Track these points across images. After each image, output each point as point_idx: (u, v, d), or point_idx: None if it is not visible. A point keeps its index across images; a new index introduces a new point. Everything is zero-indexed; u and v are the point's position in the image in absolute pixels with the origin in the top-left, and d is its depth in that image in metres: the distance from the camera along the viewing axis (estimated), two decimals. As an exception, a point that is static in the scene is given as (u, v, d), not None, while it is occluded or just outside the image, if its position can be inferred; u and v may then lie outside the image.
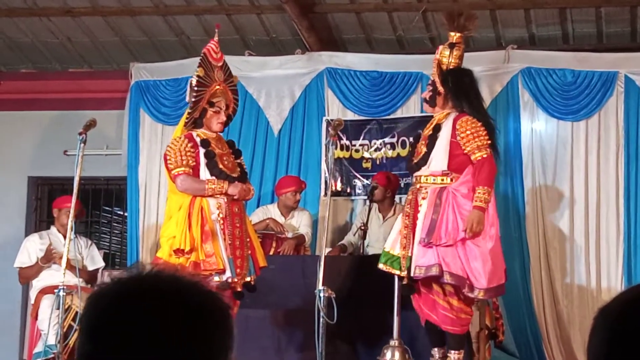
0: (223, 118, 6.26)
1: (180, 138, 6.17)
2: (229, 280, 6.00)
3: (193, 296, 1.78)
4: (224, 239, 6.02)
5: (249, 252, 6.21)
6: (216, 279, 5.98)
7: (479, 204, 5.89)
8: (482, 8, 9.08)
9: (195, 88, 6.16)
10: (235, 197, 6.10)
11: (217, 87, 6.27)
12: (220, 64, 6.36)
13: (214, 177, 6.09)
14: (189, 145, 6.12)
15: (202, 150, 6.15)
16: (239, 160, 6.39)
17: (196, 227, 5.97)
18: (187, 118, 6.24)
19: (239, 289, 6.08)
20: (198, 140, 6.18)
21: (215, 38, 6.47)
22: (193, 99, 6.16)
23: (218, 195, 6.11)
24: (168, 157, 6.13)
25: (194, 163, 6.10)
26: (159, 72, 9.69)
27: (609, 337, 1.83)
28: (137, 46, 10.23)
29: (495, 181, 6.64)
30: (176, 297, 1.75)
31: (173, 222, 6.06)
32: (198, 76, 6.18)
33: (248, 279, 6.16)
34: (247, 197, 6.29)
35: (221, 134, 6.44)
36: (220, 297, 1.83)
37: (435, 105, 6.24)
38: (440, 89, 6.18)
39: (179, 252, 5.94)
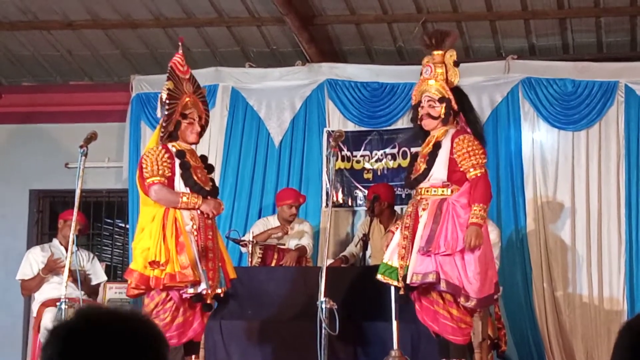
0: (197, 128, 6.28)
1: (157, 148, 6.15)
2: (203, 292, 5.99)
3: (127, 326, 1.97)
4: (198, 251, 6.03)
5: (220, 264, 6.21)
6: (190, 290, 5.97)
7: (476, 220, 5.93)
8: (482, 19, 9.11)
9: (167, 101, 6.16)
10: (206, 215, 6.12)
11: (187, 99, 6.27)
12: (187, 76, 6.36)
13: (188, 190, 6.09)
14: (166, 155, 6.11)
15: (177, 161, 6.15)
16: (210, 175, 6.40)
17: (171, 238, 5.95)
18: (161, 132, 6.23)
19: (208, 301, 6.08)
20: (174, 151, 6.18)
21: (180, 51, 6.48)
22: (166, 112, 6.17)
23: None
24: (144, 166, 6.10)
25: (170, 174, 6.09)
26: (160, 85, 9.52)
27: (633, 349, 1.88)
28: (137, 59, 10.26)
29: (493, 192, 6.66)
30: (113, 330, 1.96)
31: (147, 234, 6.02)
32: (168, 89, 6.18)
33: (218, 290, 6.15)
34: (219, 211, 6.31)
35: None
36: (153, 324, 2.02)
37: (447, 122, 6.25)
38: (456, 107, 6.22)
39: (154, 264, 5.91)
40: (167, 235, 5.95)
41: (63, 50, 10.19)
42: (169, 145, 6.20)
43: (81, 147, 6.28)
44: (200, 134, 6.40)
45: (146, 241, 5.98)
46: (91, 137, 6.46)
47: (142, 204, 6.25)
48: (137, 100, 9.71)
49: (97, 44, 10.03)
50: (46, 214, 10.49)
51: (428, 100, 6.31)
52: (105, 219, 10.61)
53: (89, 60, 10.36)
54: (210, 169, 6.45)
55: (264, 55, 10.01)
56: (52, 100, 10.30)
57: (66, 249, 7.99)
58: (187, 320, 6.10)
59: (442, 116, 6.25)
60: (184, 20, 9.50)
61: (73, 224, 6.23)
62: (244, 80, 9.49)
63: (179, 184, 6.11)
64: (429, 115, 6.31)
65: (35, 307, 8.18)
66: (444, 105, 6.23)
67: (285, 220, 8.49)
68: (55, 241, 8.42)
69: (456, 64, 6.30)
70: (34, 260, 8.27)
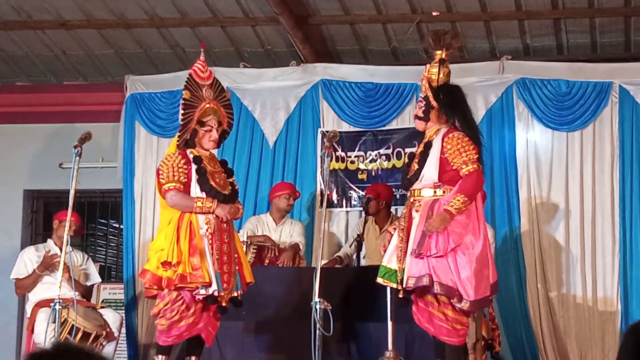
0: (215, 136, 6.29)
1: (174, 154, 6.22)
2: (215, 294, 6.02)
3: None
4: (212, 254, 6.06)
5: (237, 267, 6.24)
6: (202, 292, 6.02)
7: (450, 208, 5.87)
8: (477, 19, 9.11)
9: (182, 111, 6.20)
10: (222, 220, 6.14)
11: (207, 105, 6.28)
12: (209, 82, 6.37)
13: (203, 195, 6.13)
14: (182, 161, 6.17)
15: (194, 167, 6.18)
16: (230, 179, 6.41)
17: (184, 241, 6.04)
18: (177, 140, 6.27)
19: (224, 304, 6.12)
20: (191, 157, 6.22)
21: (202, 57, 6.48)
22: (181, 122, 6.21)
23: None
24: (160, 172, 6.19)
25: (185, 179, 6.15)
26: (154, 85, 9.69)
27: (637, 353, 1.91)
28: (132, 58, 10.25)
29: (487, 193, 6.64)
30: None
31: (162, 236, 6.14)
32: (184, 99, 6.20)
33: (235, 294, 6.19)
34: (236, 216, 6.33)
35: (215, 150, 6.47)
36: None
37: (429, 120, 6.24)
38: (434, 103, 6.19)
39: (166, 264, 6.02)
40: (180, 238, 6.05)
41: (57, 50, 10.17)
42: (187, 151, 6.24)
43: (75, 147, 6.29)
44: (223, 137, 6.44)
45: (161, 242, 6.10)
46: (85, 137, 6.47)
47: (162, 208, 6.35)
48: (132, 100, 9.70)
49: (91, 44, 10.01)
50: (40, 214, 10.48)
51: (418, 101, 6.34)
52: (99, 220, 10.60)
53: (83, 60, 10.35)
54: (229, 173, 6.47)
55: (259, 56, 10.00)
56: (46, 100, 10.30)
57: (61, 250, 7.98)
58: (195, 321, 6.15)
59: (422, 114, 6.26)
60: (178, 20, 9.49)
61: (67, 225, 6.23)
62: (238, 80, 9.48)
63: (195, 189, 6.16)
64: (415, 116, 6.34)
65: (29, 307, 8.17)
66: (424, 103, 6.24)
67: (282, 211, 8.51)
68: (50, 242, 8.41)
69: (441, 61, 6.28)
70: (28, 259, 8.27)
